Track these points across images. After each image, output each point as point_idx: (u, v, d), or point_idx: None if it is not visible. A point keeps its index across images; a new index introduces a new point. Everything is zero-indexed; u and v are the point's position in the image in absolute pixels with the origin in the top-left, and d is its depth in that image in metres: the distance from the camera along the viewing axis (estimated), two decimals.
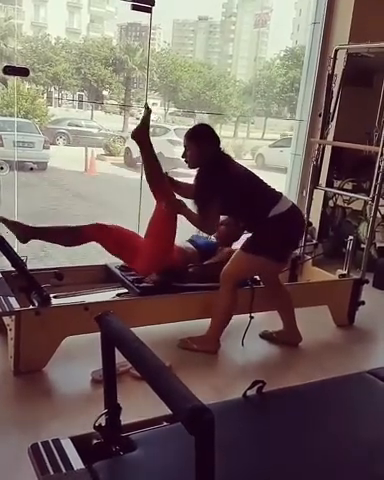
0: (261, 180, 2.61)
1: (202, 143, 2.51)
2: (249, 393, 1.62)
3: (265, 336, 2.88)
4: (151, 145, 2.63)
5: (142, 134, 2.61)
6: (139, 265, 2.71)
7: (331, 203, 4.43)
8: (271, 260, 2.55)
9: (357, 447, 1.48)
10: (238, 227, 2.87)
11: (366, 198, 3.40)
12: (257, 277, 2.89)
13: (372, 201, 3.15)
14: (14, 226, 2.54)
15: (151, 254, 2.66)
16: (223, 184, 2.44)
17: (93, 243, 2.68)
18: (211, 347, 2.67)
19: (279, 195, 2.58)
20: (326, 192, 4.19)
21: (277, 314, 2.83)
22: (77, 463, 1.27)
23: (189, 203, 2.58)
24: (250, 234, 2.62)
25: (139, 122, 2.64)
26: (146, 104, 2.77)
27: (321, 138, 3.67)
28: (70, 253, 4.67)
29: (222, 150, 2.55)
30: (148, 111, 2.63)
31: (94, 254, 4.90)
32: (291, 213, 2.56)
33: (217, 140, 2.55)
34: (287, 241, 2.63)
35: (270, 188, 2.59)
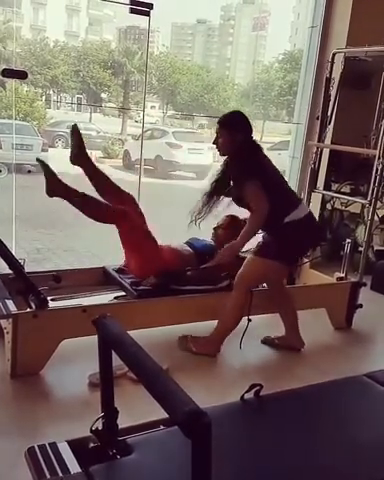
0: (285, 180, 2.63)
1: (234, 130, 2.46)
2: (247, 396, 1.62)
3: (267, 342, 2.86)
4: (93, 163, 2.66)
5: (81, 157, 2.60)
6: (134, 268, 2.72)
7: (329, 206, 4.44)
8: (284, 265, 2.59)
9: (354, 450, 1.48)
10: (235, 231, 2.87)
11: (364, 201, 3.40)
12: None
13: (369, 204, 3.15)
14: (50, 175, 2.48)
15: (142, 263, 2.67)
16: (255, 170, 2.42)
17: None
18: (211, 350, 2.64)
19: (299, 200, 2.62)
20: (324, 195, 4.19)
21: (275, 317, 2.82)
22: (74, 467, 1.27)
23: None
24: (262, 238, 2.60)
25: (72, 146, 2.59)
26: (74, 125, 2.64)
27: (319, 141, 3.68)
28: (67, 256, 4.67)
29: (254, 139, 2.52)
30: (77, 132, 2.57)
31: (90, 257, 4.91)
32: (308, 221, 2.57)
33: (250, 128, 2.51)
34: (302, 248, 2.67)
35: (292, 190, 2.62)
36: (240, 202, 2.53)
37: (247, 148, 2.47)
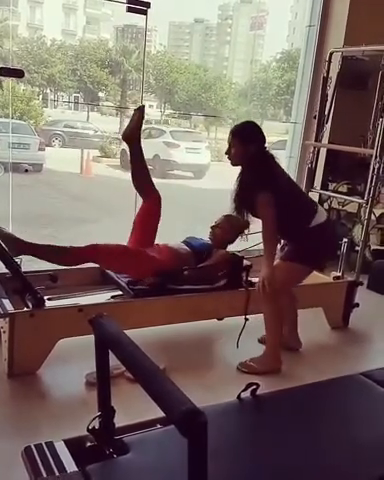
0: (300, 188, 2.65)
1: (247, 141, 2.43)
2: (243, 395, 1.62)
3: (264, 341, 2.86)
4: (141, 148, 2.68)
5: (133, 135, 2.63)
6: (132, 274, 2.73)
7: (326, 205, 4.44)
8: (311, 268, 2.62)
9: (351, 449, 1.48)
10: (233, 230, 2.87)
11: (360, 201, 3.41)
12: (252, 279, 2.90)
13: (366, 203, 3.16)
14: (7, 239, 2.41)
15: (137, 262, 2.66)
16: (267, 182, 2.40)
17: None
18: (274, 366, 2.57)
19: (316, 205, 2.63)
20: (321, 194, 4.19)
21: None
22: (70, 466, 1.27)
23: None
24: (287, 243, 2.60)
25: (131, 122, 2.65)
26: (142, 106, 2.74)
27: (316, 141, 3.68)
28: None
29: (267, 149, 2.49)
30: (142, 112, 2.62)
31: None
32: (329, 224, 2.63)
33: (263, 139, 2.48)
34: (328, 250, 2.72)
35: (309, 197, 2.64)
36: (253, 212, 2.54)
37: (260, 159, 2.44)
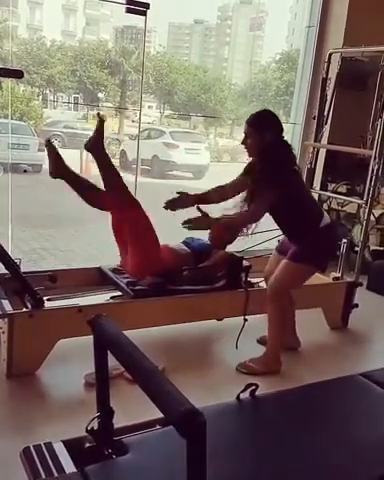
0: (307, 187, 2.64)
1: (263, 129, 2.38)
2: (242, 396, 1.62)
3: (263, 342, 2.86)
4: (107, 155, 2.62)
5: (96, 145, 2.55)
6: (131, 268, 2.71)
7: (325, 206, 4.44)
8: (317, 269, 2.62)
9: (350, 449, 1.48)
10: (232, 230, 2.86)
11: (360, 201, 3.41)
12: (251, 280, 2.90)
13: (366, 204, 3.16)
14: (55, 157, 2.53)
15: (140, 262, 2.64)
16: (282, 184, 2.35)
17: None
18: (274, 367, 2.57)
19: (320, 206, 2.69)
20: (320, 195, 4.20)
21: None
22: (69, 467, 1.27)
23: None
24: (294, 242, 2.55)
25: (93, 132, 2.55)
26: (98, 113, 2.68)
27: (315, 141, 3.69)
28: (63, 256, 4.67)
29: (284, 139, 2.45)
30: (101, 121, 2.54)
31: (87, 257, 4.90)
32: (334, 225, 2.65)
33: (279, 127, 2.43)
34: (332, 252, 2.77)
35: (315, 199, 2.67)
36: (250, 198, 2.47)
37: (277, 149, 2.39)
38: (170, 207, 2.66)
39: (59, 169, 2.57)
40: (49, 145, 2.57)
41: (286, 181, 2.38)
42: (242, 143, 2.46)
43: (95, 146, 2.55)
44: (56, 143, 12.04)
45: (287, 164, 2.42)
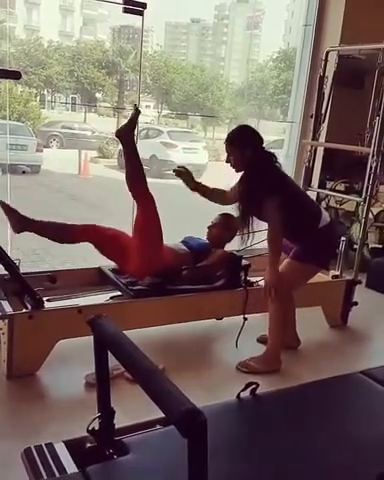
0: (302, 189, 2.67)
1: (242, 147, 2.43)
2: (242, 395, 1.62)
3: (263, 340, 2.86)
4: (134, 143, 2.63)
5: (127, 133, 2.58)
6: (131, 268, 2.71)
7: (324, 204, 4.45)
8: (319, 267, 2.66)
9: (351, 448, 1.48)
10: (230, 230, 2.87)
11: (358, 199, 3.41)
12: (251, 279, 2.90)
13: (364, 202, 3.16)
14: (11, 214, 2.52)
15: (142, 257, 2.64)
16: (274, 186, 2.41)
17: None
18: (275, 366, 2.58)
19: (318, 205, 2.71)
20: (318, 193, 4.20)
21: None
22: (70, 467, 1.27)
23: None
24: (295, 244, 2.58)
25: (127, 121, 2.60)
26: (136, 105, 2.73)
27: (313, 139, 3.69)
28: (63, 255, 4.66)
29: (266, 150, 2.48)
30: (137, 112, 2.60)
31: (86, 258, 4.90)
32: (334, 224, 2.69)
33: (258, 141, 2.47)
34: (334, 250, 2.83)
35: (311, 198, 2.67)
36: (260, 217, 2.52)
37: (259, 161, 2.43)
38: (178, 174, 2.73)
39: (21, 224, 2.56)
40: (2, 205, 2.54)
41: (279, 184, 2.43)
42: (226, 162, 2.52)
43: (126, 133, 2.58)
44: (54, 144, 12.05)
45: (273, 171, 2.47)
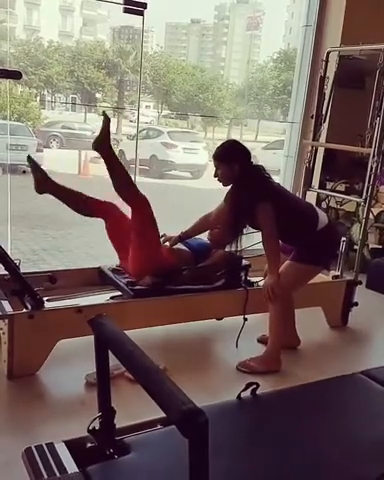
0: (294, 194, 2.72)
1: (230, 161, 2.46)
2: (243, 395, 1.62)
3: (263, 341, 2.85)
4: (114, 154, 2.61)
5: (103, 144, 2.54)
6: (129, 267, 2.71)
7: (324, 205, 4.45)
8: (320, 269, 2.68)
9: (352, 448, 1.48)
10: (232, 231, 2.87)
11: (358, 199, 3.41)
12: (251, 279, 2.90)
13: (364, 203, 3.16)
14: (38, 173, 2.56)
15: (139, 258, 2.64)
16: (264, 193, 2.43)
17: None
18: (275, 366, 2.58)
19: (313, 207, 2.70)
20: (319, 194, 4.20)
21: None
22: (71, 467, 1.27)
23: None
24: (294, 246, 2.60)
25: (99, 132, 2.54)
26: (104, 112, 2.66)
27: (313, 140, 3.68)
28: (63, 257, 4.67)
29: (253, 164, 2.51)
30: (107, 119, 2.53)
31: (86, 258, 4.90)
32: (333, 225, 2.73)
33: (246, 155, 2.49)
34: (335, 250, 2.86)
35: (305, 201, 2.71)
36: (254, 226, 2.55)
37: (249, 174, 2.46)
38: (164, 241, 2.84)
39: (43, 185, 2.59)
40: (31, 162, 2.57)
41: (269, 191, 2.46)
42: (214, 176, 2.54)
43: (102, 144, 2.55)
44: (54, 144, 12.06)
45: (262, 180, 2.49)
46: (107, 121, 2.53)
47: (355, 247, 3.57)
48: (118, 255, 2.79)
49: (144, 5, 3.38)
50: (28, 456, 1.30)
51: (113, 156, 2.61)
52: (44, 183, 2.59)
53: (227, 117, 18.49)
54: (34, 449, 1.32)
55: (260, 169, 2.51)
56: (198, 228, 2.88)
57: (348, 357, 2.84)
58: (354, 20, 4.06)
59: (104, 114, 2.58)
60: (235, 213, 2.52)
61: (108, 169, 2.59)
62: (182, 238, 2.84)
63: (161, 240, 2.80)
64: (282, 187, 2.70)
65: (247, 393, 1.62)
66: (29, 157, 2.59)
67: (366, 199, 3.14)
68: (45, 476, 1.22)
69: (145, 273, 2.67)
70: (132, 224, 2.64)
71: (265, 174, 2.51)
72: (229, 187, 2.62)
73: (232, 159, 2.47)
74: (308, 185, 3.68)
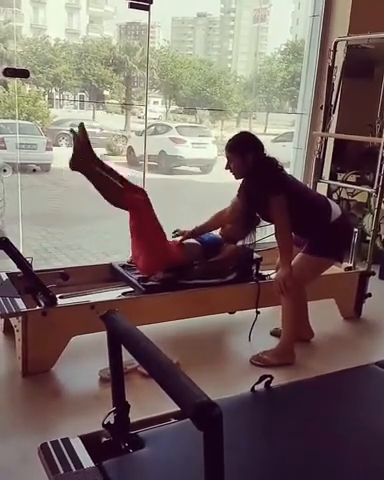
0: (307, 186, 2.69)
1: (243, 153, 2.43)
2: (257, 388, 1.62)
3: (276, 334, 2.84)
4: (93, 168, 2.52)
5: (80, 162, 2.48)
6: (140, 266, 2.72)
7: (335, 196, 4.41)
8: (333, 261, 2.66)
9: (367, 439, 1.47)
10: (246, 226, 2.85)
11: (370, 190, 3.38)
12: (263, 272, 2.89)
13: (376, 193, 3.13)
14: (83, 145, 2.47)
15: (146, 257, 2.65)
16: (277, 185, 2.41)
17: None
18: (289, 358, 2.57)
19: (326, 199, 2.68)
20: (330, 185, 4.17)
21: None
22: (87, 462, 1.27)
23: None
24: (307, 238, 2.58)
25: (74, 150, 2.47)
26: (82, 124, 2.52)
27: (323, 131, 3.65)
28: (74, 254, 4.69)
29: (267, 155, 2.48)
30: (83, 132, 2.47)
31: (97, 255, 4.91)
32: (346, 216, 2.70)
33: (259, 146, 2.47)
34: (349, 243, 2.84)
35: (317, 193, 2.69)
36: (267, 219, 2.54)
37: (262, 165, 2.43)
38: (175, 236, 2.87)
39: (79, 161, 2.48)
40: (81, 127, 2.46)
41: (282, 183, 2.44)
42: (226, 168, 2.51)
43: (75, 164, 2.49)
44: (63, 142, 12.11)
45: (275, 171, 2.46)
46: (77, 138, 2.47)
47: (367, 238, 3.54)
48: (131, 247, 2.79)
49: (150, 0, 3.37)
50: (44, 452, 1.31)
51: (92, 172, 2.52)
52: (86, 160, 2.48)
53: (235, 110, 18.40)
54: (50, 445, 1.33)
55: (273, 161, 2.48)
56: (212, 224, 2.87)
57: (362, 348, 2.83)
58: (361, 8, 4.01)
59: (72, 131, 2.50)
60: (248, 205, 2.50)
61: (93, 184, 2.54)
62: (195, 233, 2.83)
63: (175, 234, 2.79)
64: (295, 179, 2.68)
65: (261, 386, 1.61)
66: (81, 124, 2.48)
67: (378, 189, 3.11)
68: (61, 471, 1.23)
69: (154, 271, 2.67)
70: (133, 226, 2.64)
71: (278, 166, 2.49)
72: (240, 181, 2.61)
73: (245, 150, 2.44)
74: (319, 176, 3.65)
